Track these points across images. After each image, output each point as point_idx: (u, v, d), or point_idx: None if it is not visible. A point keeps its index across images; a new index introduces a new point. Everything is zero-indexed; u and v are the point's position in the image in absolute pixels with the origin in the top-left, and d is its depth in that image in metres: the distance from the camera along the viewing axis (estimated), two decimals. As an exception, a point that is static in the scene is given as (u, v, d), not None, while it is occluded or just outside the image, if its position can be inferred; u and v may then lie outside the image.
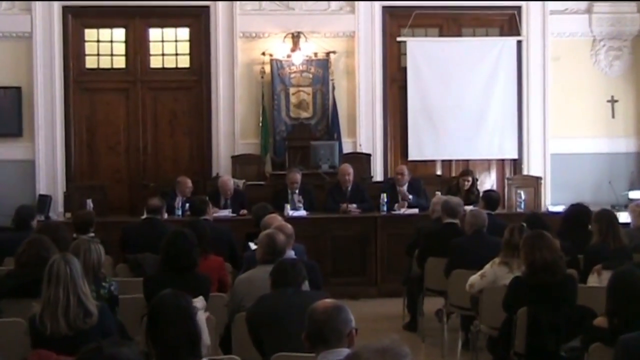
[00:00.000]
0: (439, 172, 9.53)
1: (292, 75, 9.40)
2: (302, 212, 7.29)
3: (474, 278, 4.46)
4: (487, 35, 9.57)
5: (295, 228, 4.47)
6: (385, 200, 7.32)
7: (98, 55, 9.28)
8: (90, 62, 9.31)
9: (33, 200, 8.41)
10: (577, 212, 5.29)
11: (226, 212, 7.33)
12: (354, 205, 7.49)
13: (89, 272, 3.64)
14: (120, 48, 9.31)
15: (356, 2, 9.27)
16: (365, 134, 9.33)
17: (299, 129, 9.27)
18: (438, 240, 5.42)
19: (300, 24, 9.18)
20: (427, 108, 9.44)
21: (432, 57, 9.36)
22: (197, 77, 9.43)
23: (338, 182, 7.74)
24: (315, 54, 9.33)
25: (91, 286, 3.47)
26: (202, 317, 3.26)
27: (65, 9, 9.08)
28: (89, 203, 7.23)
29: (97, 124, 9.38)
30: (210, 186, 8.10)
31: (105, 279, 3.85)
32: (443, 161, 9.68)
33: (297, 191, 7.62)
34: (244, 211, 7.28)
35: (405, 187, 7.62)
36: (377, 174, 9.23)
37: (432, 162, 9.65)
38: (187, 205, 6.99)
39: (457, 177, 7.85)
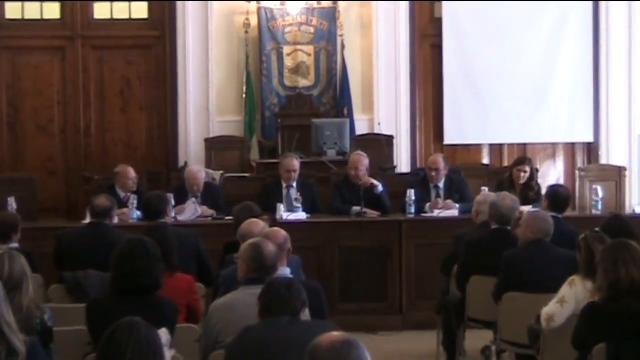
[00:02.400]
0: (485, 161, 9.57)
1: (287, 30, 9.41)
2: (301, 215, 7.28)
3: (553, 308, 4.43)
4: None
5: (291, 236, 4.45)
6: (414, 198, 7.32)
7: (22, 0, 9.28)
8: (12, 11, 9.33)
9: None
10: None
11: (192, 211, 7.33)
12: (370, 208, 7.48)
13: (14, 297, 3.64)
14: (53, -8, 9.37)
15: None
16: (386, 109, 9.37)
17: (297, 102, 9.30)
18: (484, 252, 5.43)
19: (299, -40, 9.26)
20: (471, 75, 9.45)
21: (478, 8, 9.37)
22: (158, 32, 9.46)
23: (349, 175, 7.73)
24: (319, 2, 9.34)
25: (18, 315, 3.47)
26: (166, 355, 3.26)
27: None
28: (11, 202, 7.23)
29: (22, 96, 9.42)
30: (177, 180, 8.12)
31: (36, 306, 3.85)
32: (491, 146, 9.70)
33: (294, 185, 7.61)
34: (208, 211, 7.29)
35: (442, 187, 7.60)
36: (402, 163, 9.28)
37: (477, 147, 9.68)
38: (134, 202, 7.05)
39: (511, 167, 7.82)
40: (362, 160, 7.57)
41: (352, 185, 7.57)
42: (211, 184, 7.79)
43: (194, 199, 7.36)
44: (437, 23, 9.52)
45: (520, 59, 9.43)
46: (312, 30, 9.40)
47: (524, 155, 8.97)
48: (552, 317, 4.40)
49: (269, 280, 3.54)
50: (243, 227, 4.79)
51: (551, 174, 9.66)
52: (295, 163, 7.61)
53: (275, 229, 4.54)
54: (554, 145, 9.75)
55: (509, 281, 5.03)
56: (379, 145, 8.77)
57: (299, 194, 7.37)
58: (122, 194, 7.38)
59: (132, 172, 7.53)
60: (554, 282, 4.53)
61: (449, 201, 7.41)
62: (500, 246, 5.31)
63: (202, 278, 5.31)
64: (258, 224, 4.81)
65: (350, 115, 9.18)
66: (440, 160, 7.62)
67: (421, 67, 9.61)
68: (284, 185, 7.62)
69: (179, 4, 9.28)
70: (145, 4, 9.45)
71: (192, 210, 7.27)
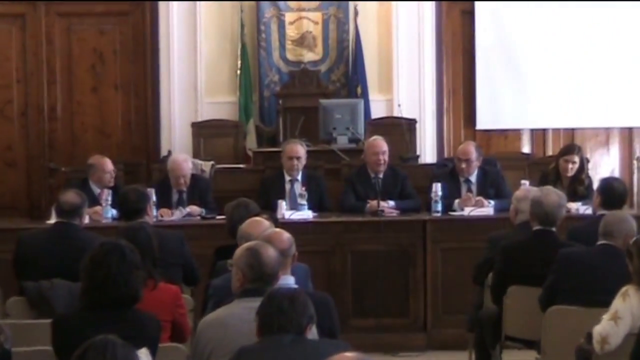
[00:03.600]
0: (526, 150, 9.54)
1: (290, -7, 9.42)
2: (307, 214, 7.28)
3: (606, 327, 4.40)
4: None
5: (295, 239, 4.45)
6: (440, 194, 7.31)
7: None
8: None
9: None
10: None
11: (178, 214, 7.34)
12: (390, 203, 7.49)
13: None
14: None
15: None
16: (408, 87, 9.36)
17: (301, 79, 9.30)
18: (525, 258, 5.44)
19: None
20: (508, 47, 9.44)
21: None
22: (136, -3, 9.46)
23: (364, 166, 7.73)
24: (327, -41, 9.35)
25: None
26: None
27: None
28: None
29: (-26, 72, 9.42)
30: (159, 172, 8.14)
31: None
32: (533, 132, 9.69)
33: (298, 179, 7.62)
34: (196, 209, 7.31)
35: (473, 180, 7.59)
36: (426, 152, 9.28)
37: (516, 132, 9.67)
38: (108, 199, 7.08)
39: (557, 157, 7.79)
40: (383, 146, 7.60)
41: (367, 178, 7.60)
42: (199, 177, 7.79)
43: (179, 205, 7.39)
44: (468, -16, 9.52)
45: (567, 29, 9.40)
46: (319, -7, 9.41)
47: (571, 142, 8.95)
48: (606, 339, 4.38)
49: (270, 292, 3.55)
50: (244, 227, 4.79)
51: (604, 165, 9.63)
52: (300, 149, 7.63)
53: (278, 230, 4.54)
54: (608, 130, 9.72)
55: (562, 288, 5.04)
56: (399, 131, 8.74)
57: (303, 188, 7.36)
58: (97, 190, 7.38)
59: (109, 164, 7.54)
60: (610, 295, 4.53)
61: (482, 198, 7.40)
62: (543, 251, 5.32)
63: (188, 284, 5.40)
64: (261, 224, 4.81)
65: (365, 95, 9.16)
66: (471, 148, 7.62)
67: (449, 37, 9.59)
68: (287, 178, 7.63)
69: (160, -38, 9.29)
70: (120, -37, 9.46)
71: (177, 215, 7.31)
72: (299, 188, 7.44)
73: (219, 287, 4.47)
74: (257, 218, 4.98)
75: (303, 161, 7.63)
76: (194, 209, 7.35)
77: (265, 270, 3.94)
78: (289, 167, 7.59)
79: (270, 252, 4.01)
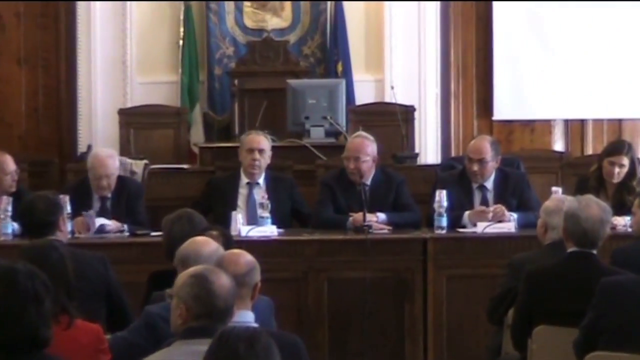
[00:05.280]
0: (559, 147, 9.62)
1: (248, -62, 9.44)
2: (271, 229, 7.29)
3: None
4: None
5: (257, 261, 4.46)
6: (446, 204, 7.32)
7: None
8: None
9: None
10: None
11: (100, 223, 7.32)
12: (380, 216, 7.51)
13: None
14: None
15: None
16: (404, 65, 9.43)
17: (264, 53, 9.35)
18: (557, 288, 5.44)
19: None
20: (535, 14, 9.53)
21: None
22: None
23: (345, 168, 7.73)
24: None
25: None
26: None
27: None
28: None
29: None
30: (75, 173, 8.11)
31: None
32: (567, 123, 9.75)
33: (259, 182, 7.66)
34: (114, 225, 7.27)
35: (489, 186, 7.61)
36: (428, 149, 9.39)
37: (545, 124, 9.75)
38: (8, 209, 7.01)
39: (600, 157, 7.82)
40: (366, 146, 7.56)
41: (350, 183, 7.60)
42: (128, 180, 7.80)
43: (90, 212, 7.31)
44: None
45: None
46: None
47: (619, 138, 8.98)
48: None
49: (221, 332, 3.50)
50: (185, 247, 4.80)
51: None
52: (263, 140, 7.64)
53: (234, 251, 4.54)
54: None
55: (604, 325, 5.04)
56: (393, 122, 8.81)
57: (266, 196, 7.34)
58: None
59: (10, 163, 7.55)
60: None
61: (501, 208, 7.40)
62: (580, 279, 5.33)
63: (114, 325, 5.33)
64: (208, 244, 4.82)
65: (348, 74, 9.24)
66: (487, 145, 7.60)
67: (458, 2, 9.63)
68: (244, 181, 7.68)
69: None
70: None
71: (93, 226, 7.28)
72: (259, 195, 7.44)
73: (153, 325, 4.50)
74: (202, 237, 4.98)
75: (267, 158, 7.66)
76: (112, 224, 7.28)
77: (215, 303, 3.94)
78: (248, 164, 7.60)
79: (223, 280, 4.00)
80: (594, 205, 5.67)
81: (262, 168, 7.62)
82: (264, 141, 7.65)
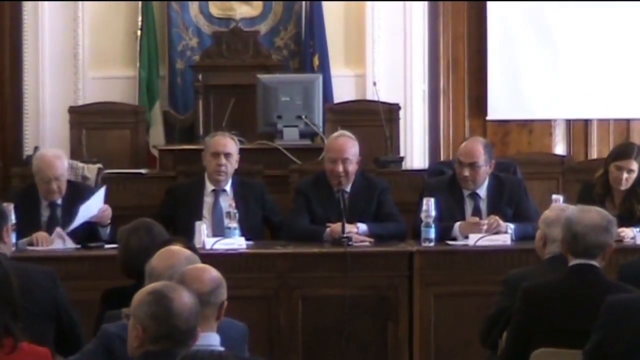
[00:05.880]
0: (560, 150, 9.69)
1: None
2: (239, 242, 7.30)
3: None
4: None
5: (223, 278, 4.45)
6: (434, 214, 7.31)
7: None
8: None
9: None
10: None
11: (59, 241, 7.29)
12: (361, 227, 7.51)
13: None
14: None
15: None
16: (387, 58, 9.47)
17: (231, 44, 9.40)
18: (557, 307, 5.43)
19: None
20: (533, 11, 9.57)
21: None
22: None
23: (323, 172, 7.76)
24: None
25: None
26: None
27: None
28: None
29: None
30: (21, 178, 8.14)
31: None
32: (570, 124, 9.80)
33: (226, 189, 7.72)
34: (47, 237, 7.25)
35: (482, 194, 7.64)
36: (414, 152, 9.44)
37: (544, 124, 9.81)
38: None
39: (606, 162, 7.85)
40: (352, 146, 7.62)
41: (328, 190, 7.67)
42: (80, 185, 7.84)
43: (59, 229, 7.30)
44: None
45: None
46: None
47: (626, 141, 9.01)
48: None
49: (183, 356, 3.54)
50: (157, 260, 4.78)
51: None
52: (230, 143, 7.67)
53: (199, 266, 4.56)
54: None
55: (610, 348, 5.01)
56: (375, 121, 8.85)
57: (234, 204, 7.36)
58: None
59: None
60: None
61: (496, 219, 7.41)
62: (584, 297, 5.35)
63: (63, 348, 5.35)
64: (180, 255, 4.81)
65: (325, 68, 9.29)
66: (479, 148, 7.65)
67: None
68: (208, 188, 7.73)
69: None
70: None
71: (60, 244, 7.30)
72: (227, 202, 7.48)
73: (107, 347, 4.47)
74: (175, 247, 4.98)
75: (234, 163, 7.69)
76: (44, 236, 7.23)
77: (175, 323, 3.94)
78: (213, 170, 7.64)
79: (185, 298, 4.01)
80: (593, 211, 5.67)
81: (228, 173, 7.66)
82: (230, 144, 7.67)
